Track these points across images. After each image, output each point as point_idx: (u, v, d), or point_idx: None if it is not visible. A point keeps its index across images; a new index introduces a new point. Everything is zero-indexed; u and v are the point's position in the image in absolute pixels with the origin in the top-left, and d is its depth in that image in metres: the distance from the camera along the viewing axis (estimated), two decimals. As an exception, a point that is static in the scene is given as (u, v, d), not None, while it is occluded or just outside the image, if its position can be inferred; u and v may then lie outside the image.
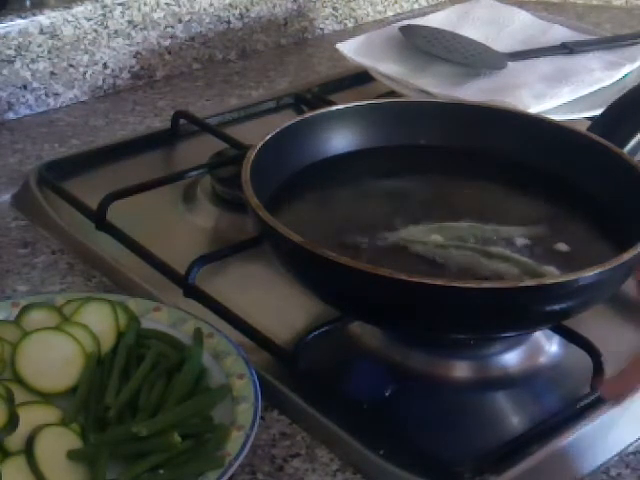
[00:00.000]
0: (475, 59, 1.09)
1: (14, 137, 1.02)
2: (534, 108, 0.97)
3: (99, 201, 0.83)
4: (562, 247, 0.71)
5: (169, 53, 1.17)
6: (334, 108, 0.84)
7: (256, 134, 0.77)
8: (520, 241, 0.71)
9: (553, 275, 0.67)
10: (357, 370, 0.72)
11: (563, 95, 1.01)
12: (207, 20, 1.19)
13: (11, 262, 0.81)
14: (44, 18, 1.05)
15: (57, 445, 0.59)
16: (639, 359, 0.58)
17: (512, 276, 0.67)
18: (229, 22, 1.22)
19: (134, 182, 0.87)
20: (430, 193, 0.80)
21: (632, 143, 0.78)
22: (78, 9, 1.07)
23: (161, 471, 0.58)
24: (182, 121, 1.01)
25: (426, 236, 0.71)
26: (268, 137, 0.76)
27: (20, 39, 1.04)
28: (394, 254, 0.70)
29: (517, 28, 1.19)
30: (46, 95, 1.08)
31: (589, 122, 0.85)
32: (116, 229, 0.82)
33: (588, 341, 0.68)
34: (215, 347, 0.67)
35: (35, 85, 1.07)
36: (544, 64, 1.10)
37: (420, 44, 1.10)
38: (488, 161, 0.82)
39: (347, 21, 1.35)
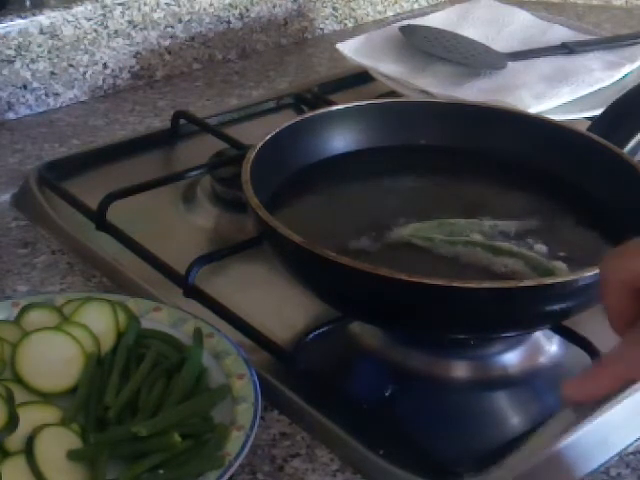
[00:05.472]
0: (475, 59, 1.09)
1: (14, 137, 1.02)
2: (534, 108, 0.97)
3: (99, 201, 0.83)
4: (561, 247, 0.72)
5: (169, 53, 1.17)
6: (334, 108, 0.84)
7: (256, 134, 0.77)
8: (520, 237, 0.72)
9: (561, 273, 0.67)
10: (357, 370, 0.72)
11: (563, 95, 1.01)
12: (207, 20, 1.19)
13: (11, 262, 0.81)
14: (44, 18, 1.05)
15: (57, 445, 0.59)
16: (607, 362, 0.50)
17: (520, 273, 0.67)
18: (229, 22, 1.22)
19: (134, 182, 0.87)
20: (430, 192, 0.80)
21: (632, 143, 0.78)
22: (78, 9, 1.07)
23: (161, 471, 0.58)
24: (182, 121, 1.01)
25: (429, 233, 0.71)
26: (268, 137, 0.76)
27: (20, 39, 1.04)
28: (396, 252, 0.70)
29: (517, 28, 1.19)
30: (46, 95, 1.08)
31: (589, 122, 0.85)
32: (116, 229, 0.82)
33: (588, 341, 0.68)
34: (215, 347, 0.67)
35: (35, 85, 1.07)
36: (544, 64, 1.10)
37: (420, 44, 1.10)
38: (488, 161, 0.82)
39: (347, 21, 1.35)
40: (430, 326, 0.65)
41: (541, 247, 0.71)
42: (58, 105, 1.09)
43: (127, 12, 1.11)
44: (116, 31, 1.11)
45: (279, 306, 0.76)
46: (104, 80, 1.12)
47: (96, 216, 0.83)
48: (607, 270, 0.50)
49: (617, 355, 0.48)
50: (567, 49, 1.13)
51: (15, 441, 0.59)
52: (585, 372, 0.50)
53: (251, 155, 0.73)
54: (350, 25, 1.36)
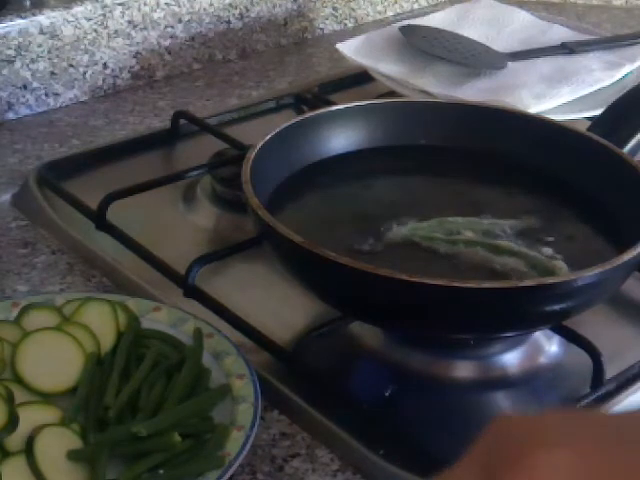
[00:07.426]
0: (475, 59, 1.09)
1: (14, 137, 1.02)
2: (534, 108, 0.97)
3: (99, 201, 0.83)
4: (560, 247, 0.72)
5: (169, 53, 1.17)
6: (334, 108, 0.84)
7: (256, 134, 0.77)
8: (520, 236, 0.72)
9: (561, 273, 0.67)
10: (357, 370, 0.72)
11: (563, 95, 1.01)
12: (207, 20, 1.19)
13: (11, 262, 0.81)
14: (44, 18, 1.05)
15: (57, 445, 0.59)
16: None
17: (520, 272, 0.67)
18: (229, 22, 1.22)
19: (134, 182, 0.87)
20: (430, 192, 0.80)
21: (632, 143, 0.78)
22: (78, 9, 1.07)
23: (161, 471, 0.58)
24: (182, 121, 1.01)
25: (429, 232, 0.71)
26: (268, 137, 0.76)
27: (20, 39, 1.04)
28: (396, 252, 0.70)
29: (517, 28, 1.19)
30: (46, 95, 1.08)
31: (589, 122, 0.85)
32: (116, 229, 0.82)
33: (588, 341, 0.68)
34: (215, 347, 0.67)
35: (35, 85, 1.07)
36: (544, 64, 1.10)
37: (420, 44, 1.10)
38: (488, 161, 0.82)
39: (347, 21, 1.35)
40: (430, 326, 0.65)
41: (541, 247, 0.71)
42: (58, 105, 1.09)
43: (127, 12, 1.11)
44: (116, 31, 1.11)
45: (279, 306, 0.76)
46: (104, 80, 1.12)
47: (96, 216, 0.83)
48: None
49: None
50: (567, 49, 1.13)
51: (15, 441, 0.59)
52: None
53: (251, 155, 0.73)
54: (350, 25, 1.36)
